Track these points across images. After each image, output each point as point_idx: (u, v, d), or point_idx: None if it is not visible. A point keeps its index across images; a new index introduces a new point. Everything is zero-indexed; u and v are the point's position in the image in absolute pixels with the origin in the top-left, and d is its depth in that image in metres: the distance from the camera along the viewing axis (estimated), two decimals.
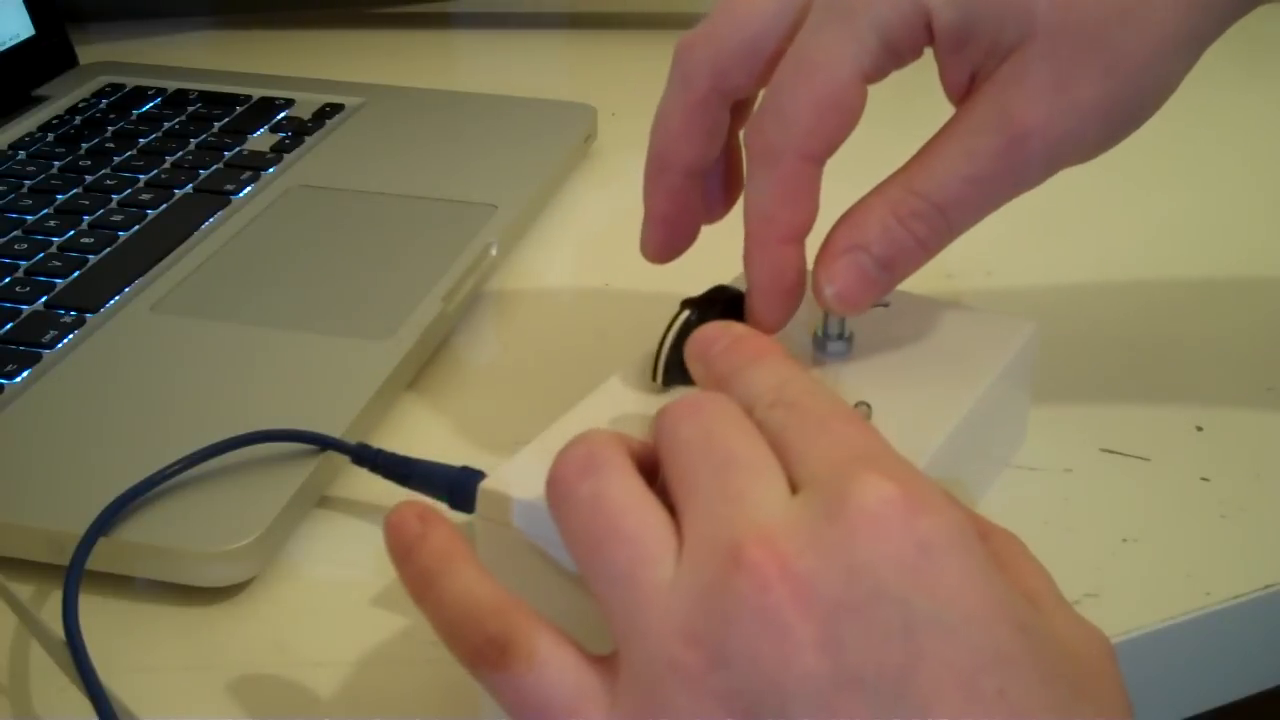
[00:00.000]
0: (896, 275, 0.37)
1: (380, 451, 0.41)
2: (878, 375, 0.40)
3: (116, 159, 0.63)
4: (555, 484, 0.29)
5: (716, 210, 0.42)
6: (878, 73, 0.36)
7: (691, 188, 0.40)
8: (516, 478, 0.36)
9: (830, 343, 0.41)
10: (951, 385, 0.40)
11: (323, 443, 0.42)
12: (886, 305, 0.43)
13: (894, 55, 0.36)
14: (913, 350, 0.42)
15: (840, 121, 0.36)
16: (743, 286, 0.39)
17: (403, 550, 0.30)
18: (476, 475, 0.38)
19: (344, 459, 0.42)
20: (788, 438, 0.28)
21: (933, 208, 0.36)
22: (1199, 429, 0.46)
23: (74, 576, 0.36)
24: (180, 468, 0.40)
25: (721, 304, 0.39)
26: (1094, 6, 0.35)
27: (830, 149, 0.36)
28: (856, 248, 0.36)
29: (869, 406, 0.38)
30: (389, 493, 0.42)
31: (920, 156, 0.36)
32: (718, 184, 0.42)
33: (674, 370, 0.38)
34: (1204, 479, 0.43)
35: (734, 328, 0.33)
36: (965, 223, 0.37)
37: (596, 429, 0.30)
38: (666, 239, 0.40)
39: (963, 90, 0.37)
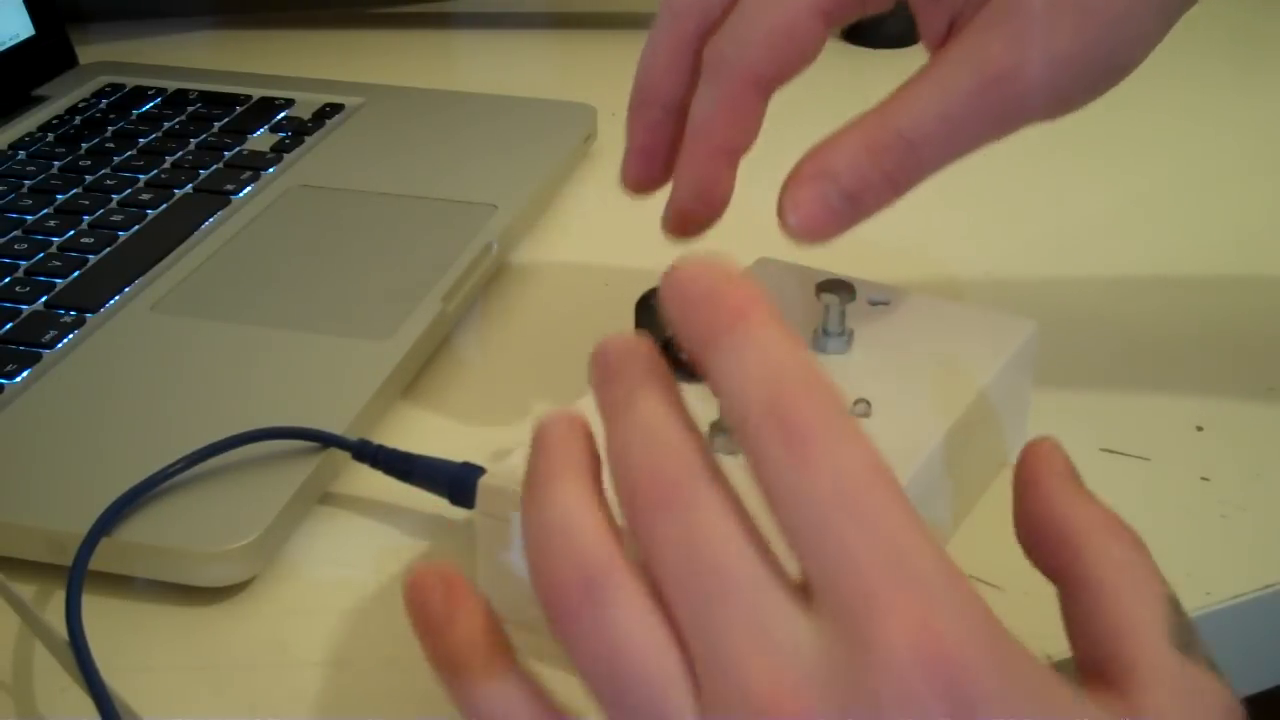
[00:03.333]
0: (861, 210, 0.36)
1: (381, 448, 0.41)
2: (877, 372, 0.40)
3: (116, 159, 0.63)
4: (554, 606, 0.26)
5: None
6: (839, 11, 0.37)
7: (672, 123, 0.40)
8: (517, 473, 0.36)
9: (830, 340, 0.41)
10: (951, 383, 0.40)
11: (324, 439, 0.42)
12: (886, 304, 0.43)
13: None
14: (912, 348, 0.42)
15: (792, 52, 0.37)
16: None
17: (427, 629, 0.28)
18: (477, 471, 0.38)
19: (344, 457, 0.42)
20: (792, 505, 0.24)
21: (905, 143, 0.36)
22: (1199, 429, 0.46)
23: (77, 577, 0.36)
24: (181, 467, 0.40)
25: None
26: None
27: (778, 77, 0.37)
28: (823, 175, 0.36)
29: (868, 404, 0.38)
30: (390, 492, 0.42)
31: (897, 93, 0.37)
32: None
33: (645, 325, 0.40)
34: (1204, 479, 0.43)
35: (716, 267, 0.27)
36: (935, 162, 0.36)
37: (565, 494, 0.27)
38: (645, 171, 0.41)
39: (940, 39, 0.38)
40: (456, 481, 0.39)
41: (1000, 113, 0.36)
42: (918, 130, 0.36)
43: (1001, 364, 0.41)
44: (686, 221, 0.39)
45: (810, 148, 0.36)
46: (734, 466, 0.35)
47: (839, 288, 0.41)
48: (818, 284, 0.41)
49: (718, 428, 0.37)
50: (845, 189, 0.36)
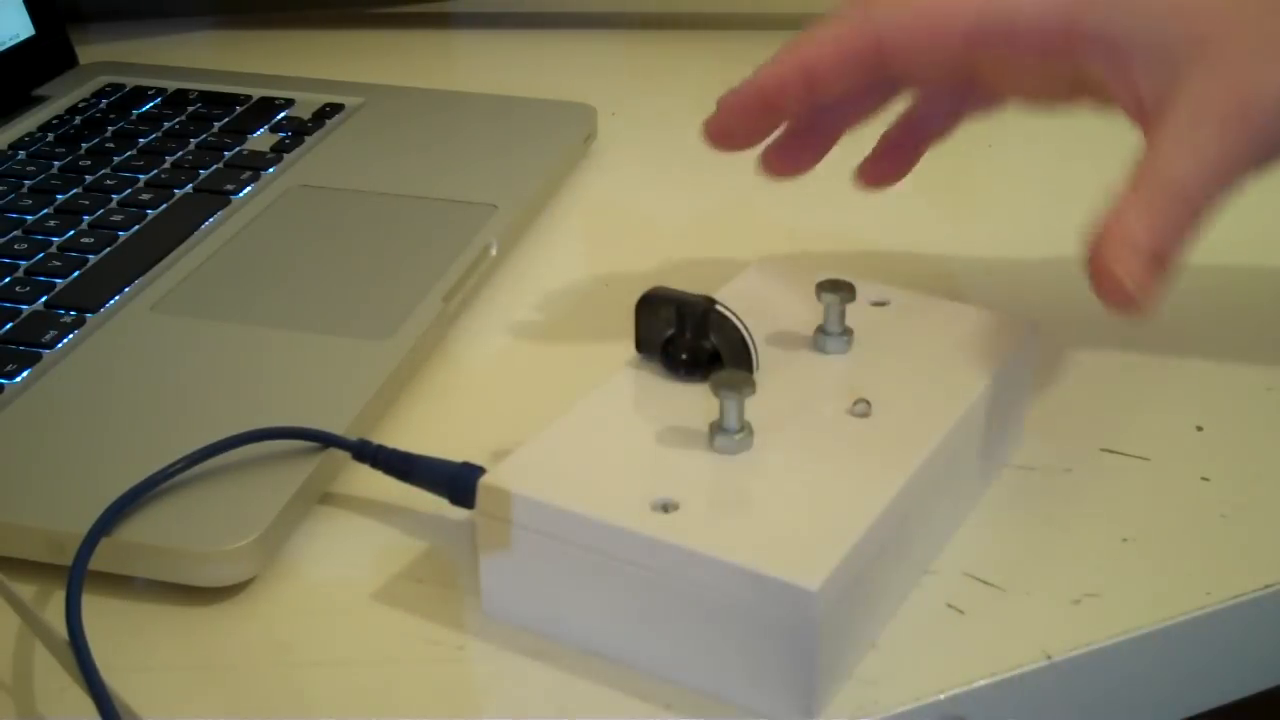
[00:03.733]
0: (1171, 266, 0.39)
1: (381, 448, 0.41)
2: (877, 372, 0.40)
3: (116, 159, 0.63)
4: None
5: (782, 154, 0.46)
6: (984, 39, 0.40)
7: (784, 109, 0.42)
8: (517, 473, 0.36)
9: (829, 339, 0.41)
10: (951, 383, 0.40)
11: (323, 439, 0.42)
12: (886, 304, 0.44)
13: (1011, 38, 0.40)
14: (913, 347, 0.42)
15: (932, 53, 0.40)
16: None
17: None
18: (477, 471, 0.38)
19: (345, 457, 0.42)
20: None
21: (1182, 197, 0.38)
22: (1199, 429, 0.46)
23: (77, 576, 0.36)
24: (182, 466, 0.40)
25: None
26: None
27: (903, 67, 0.40)
28: (1126, 244, 0.38)
29: (868, 404, 0.38)
30: (390, 492, 0.42)
31: (1148, 159, 0.39)
32: (798, 139, 0.45)
33: (645, 344, 0.40)
34: (1204, 479, 0.43)
35: None
36: (1213, 207, 0.39)
37: None
38: (735, 130, 0.42)
39: (1138, 106, 0.40)
40: (457, 481, 0.39)
41: (1251, 140, 0.38)
42: (1189, 183, 0.38)
43: (1002, 363, 0.41)
44: (733, 116, 0.40)
45: (1089, 240, 0.39)
46: (733, 467, 0.36)
47: (839, 288, 0.41)
48: (818, 284, 0.41)
49: (717, 427, 0.37)
50: (1152, 250, 0.38)
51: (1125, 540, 0.41)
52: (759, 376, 0.38)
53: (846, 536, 0.33)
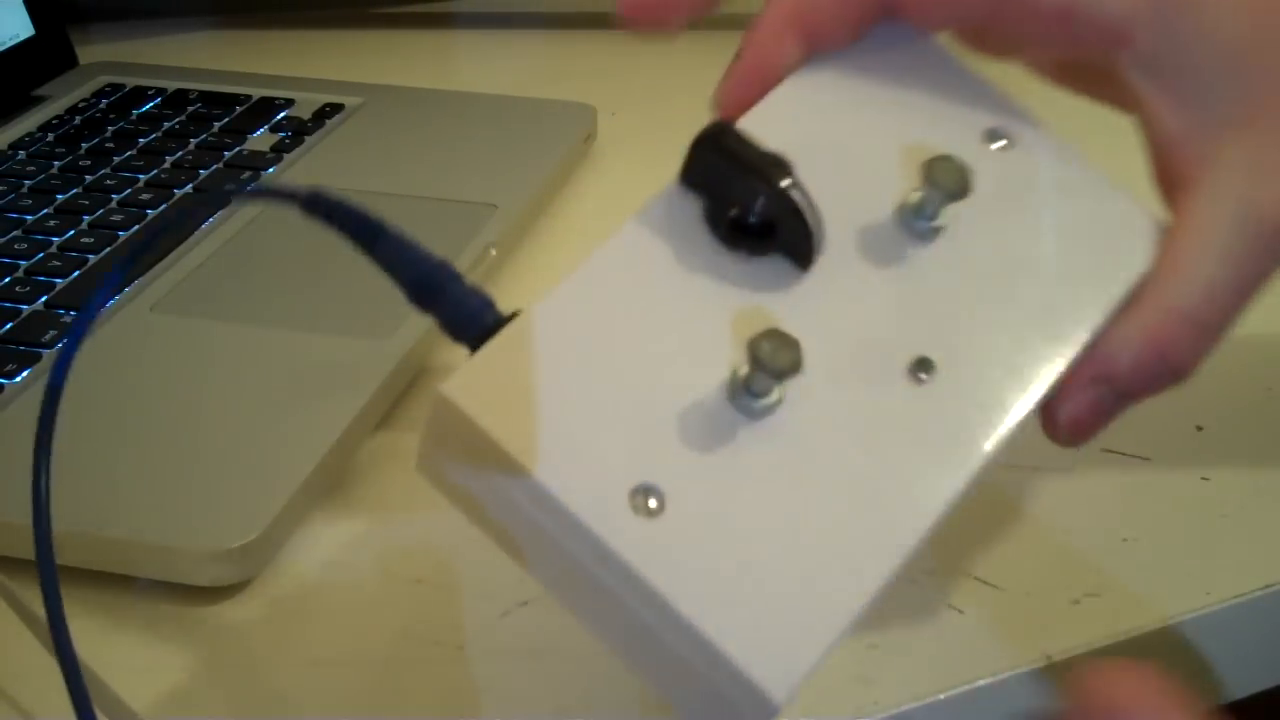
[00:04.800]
0: (1135, 402, 0.33)
1: (341, 204, 0.32)
2: (955, 296, 0.31)
3: (116, 159, 0.63)
4: None
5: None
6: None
7: (783, 71, 0.35)
8: (475, 390, 0.27)
9: (916, 223, 0.32)
10: (1041, 342, 0.31)
11: (270, 195, 0.33)
12: (1007, 142, 0.34)
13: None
14: (1012, 258, 0.32)
15: (952, 6, 0.34)
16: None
17: None
18: (453, 274, 0.30)
19: (344, 459, 0.42)
20: None
21: (1194, 326, 0.33)
22: (1199, 429, 0.46)
23: (45, 436, 0.33)
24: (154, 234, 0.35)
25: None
26: None
27: (914, 12, 0.34)
28: (1103, 380, 0.32)
29: (930, 366, 0.30)
30: (390, 492, 0.42)
31: (1166, 262, 0.33)
32: None
33: (697, 170, 0.31)
34: (1204, 479, 0.43)
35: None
36: (1227, 329, 0.33)
37: None
38: (747, 93, 0.35)
39: (1172, 142, 0.34)
40: (424, 279, 0.30)
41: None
42: (1208, 307, 0.33)
43: (1118, 298, 0.33)
44: (739, 87, 0.34)
45: (1088, 350, 0.32)
46: (744, 450, 0.28)
47: (945, 172, 0.31)
48: (924, 163, 0.31)
49: (741, 381, 0.28)
50: (1124, 390, 0.33)
51: (1125, 540, 0.41)
52: (810, 277, 0.30)
53: (836, 620, 0.27)
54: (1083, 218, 0.33)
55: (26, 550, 0.40)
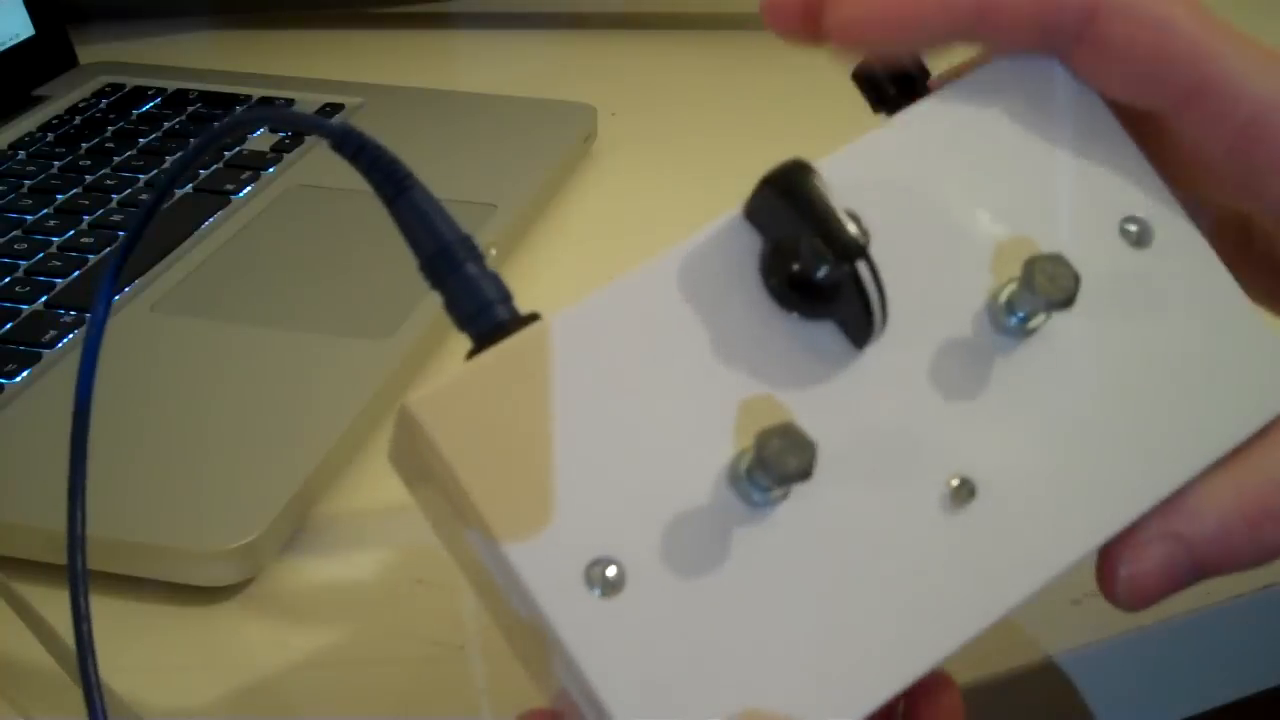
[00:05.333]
0: (1206, 577, 0.28)
1: (379, 149, 0.30)
2: (1028, 412, 0.27)
3: (116, 159, 0.63)
4: None
5: None
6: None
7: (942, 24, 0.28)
8: (442, 409, 0.24)
9: (1005, 319, 0.27)
10: (1134, 470, 0.27)
11: (307, 126, 0.31)
12: (1145, 239, 0.28)
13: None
14: (1113, 378, 0.27)
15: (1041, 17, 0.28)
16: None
17: None
18: (503, 305, 0.26)
19: (345, 458, 0.42)
20: None
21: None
22: None
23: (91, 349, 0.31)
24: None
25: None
26: None
27: (995, 31, 0.28)
28: (1176, 537, 0.27)
29: (973, 488, 0.26)
30: (390, 492, 0.42)
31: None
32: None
33: (761, 210, 0.26)
34: None
35: None
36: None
37: None
38: (872, 31, 0.28)
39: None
40: (441, 252, 0.28)
41: None
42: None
43: (1227, 448, 0.28)
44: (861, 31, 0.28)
45: (1162, 506, 0.27)
46: (731, 546, 0.25)
47: (1056, 273, 0.26)
48: (1029, 259, 0.26)
49: (743, 467, 0.25)
50: (1199, 557, 0.28)
51: None
52: (862, 358, 0.26)
53: None
54: (1209, 346, 0.28)
55: (27, 550, 0.40)
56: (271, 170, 0.61)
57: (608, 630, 0.24)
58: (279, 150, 0.63)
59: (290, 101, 0.69)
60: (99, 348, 0.31)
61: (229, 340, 0.48)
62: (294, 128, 0.28)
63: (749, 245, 0.26)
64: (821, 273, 0.25)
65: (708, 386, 0.25)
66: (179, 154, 0.35)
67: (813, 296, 0.26)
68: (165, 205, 0.58)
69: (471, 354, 0.26)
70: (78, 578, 0.30)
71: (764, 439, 0.24)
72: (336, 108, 0.68)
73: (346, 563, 0.41)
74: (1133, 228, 0.28)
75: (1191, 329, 0.28)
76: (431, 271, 0.27)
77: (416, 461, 0.25)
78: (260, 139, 0.65)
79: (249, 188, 0.60)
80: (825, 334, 0.26)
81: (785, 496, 0.25)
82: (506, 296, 0.26)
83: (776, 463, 0.24)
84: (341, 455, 0.43)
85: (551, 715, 0.25)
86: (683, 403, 0.25)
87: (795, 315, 0.26)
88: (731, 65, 0.78)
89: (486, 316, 0.26)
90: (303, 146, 0.64)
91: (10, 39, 0.69)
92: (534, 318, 0.26)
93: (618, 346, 0.25)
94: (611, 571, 0.24)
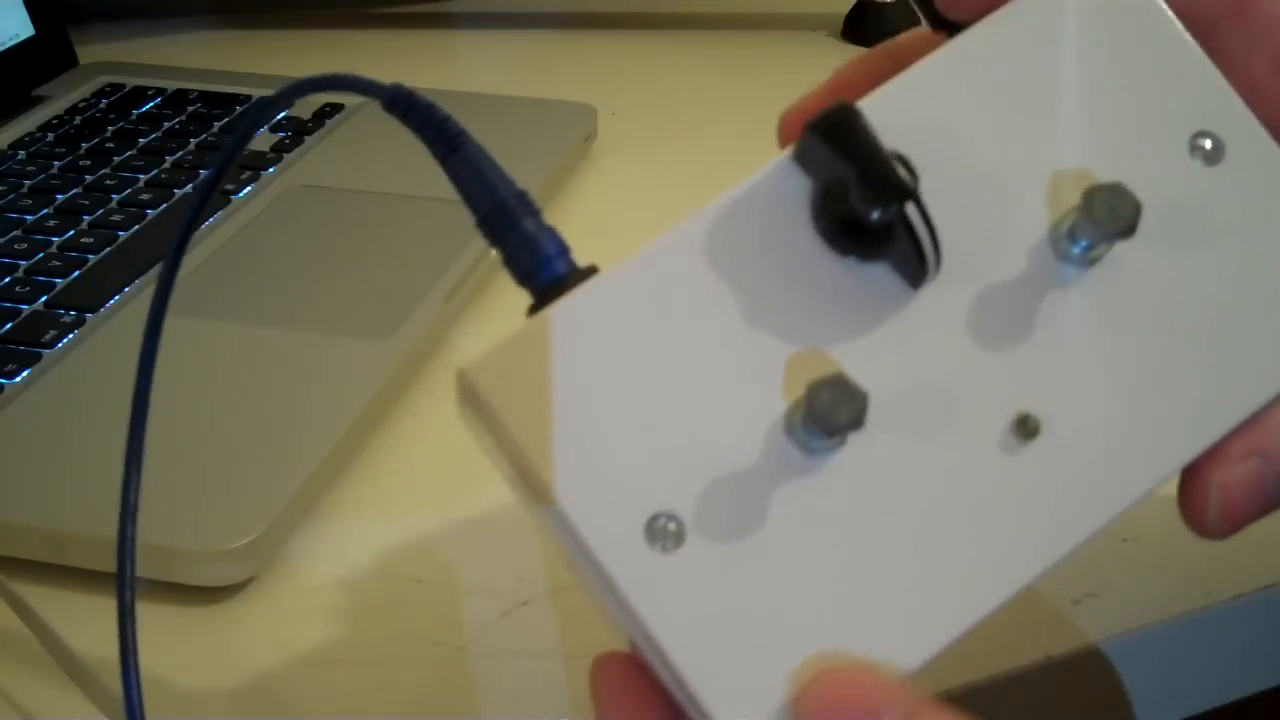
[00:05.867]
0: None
1: (427, 106, 0.29)
2: (1094, 344, 0.26)
3: (116, 159, 0.63)
4: None
5: None
6: None
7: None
8: (500, 372, 0.24)
9: (1069, 249, 0.26)
10: (1210, 399, 0.26)
11: (358, 87, 0.31)
12: (1218, 153, 0.27)
13: None
14: (1185, 305, 0.26)
15: None
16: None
17: None
18: (562, 258, 0.26)
19: (345, 459, 0.42)
20: None
21: None
22: None
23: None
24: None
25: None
26: None
27: None
28: (1264, 454, 0.27)
29: (1035, 425, 0.26)
30: (390, 492, 0.42)
31: None
32: None
33: (809, 155, 0.26)
34: None
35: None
36: None
37: None
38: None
39: None
40: (498, 208, 0.27)
41: None
42: None
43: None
44: None
45: (1243, 427, 0.27)
46: (788, 496, 0.25)
47: (1116, 204, 0.25)
48: (1088, 191, 0.25)
49: (799, 415, 0.25)
50: None
51: (1125, 540, 0.41)
52: (917, 299, 0.26)
53: None
54: None
55: (27, 550, 0.40)
56: (271, 170, 0.61)
57: (672, 585, 0.24)
58: (279, 150, 0.63)
59: (290, 101, 0.69)
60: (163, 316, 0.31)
61: (229, 340, 0.48)
62: (347, 89, 0.28)
63: (799, 188, 0.26)
64: (870, 216, 0.24)
65: (761, 335, 0.25)
66: (244, 111, 0.34)
67: (864, 238, 0.25)
68: (164, 206, 0.59)
69: (532, 310, 0.26)
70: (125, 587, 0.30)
71: (814, 390, 0.24)
72: (336, 108, 0.68)
73: (346, 563, 0.41)
74: (1206, 143, 0.27)
75: (1267, 247, 0.27)
76: (488, 228, 0.27)
77: (479, 425, 0.25)
78: (260, 139, 0.65)
79: (249, 188, 0.60)
80: (881, 276, 0.26)
81: (843, 444, 0.25)
82: (564, 250, 0.26)
83: (828, 415, 0.24)
84: (342, 455, 0.43)
85: (626, 659, 0.25)
86: (738, 350, 0.25)
87: (849, 258, 0.26)
88: (731, 65, 0.78)
89: (545, 272, 0.26)
90: (303, 146, 0.64)
91: (10, 39, 0.69)
92: (593, 270, 0.26)
93: (670, 299, 0.25)
94: (671, 525, 0.24)
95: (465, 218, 0.28)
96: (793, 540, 0.25)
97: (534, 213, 0.27)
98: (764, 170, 0.26)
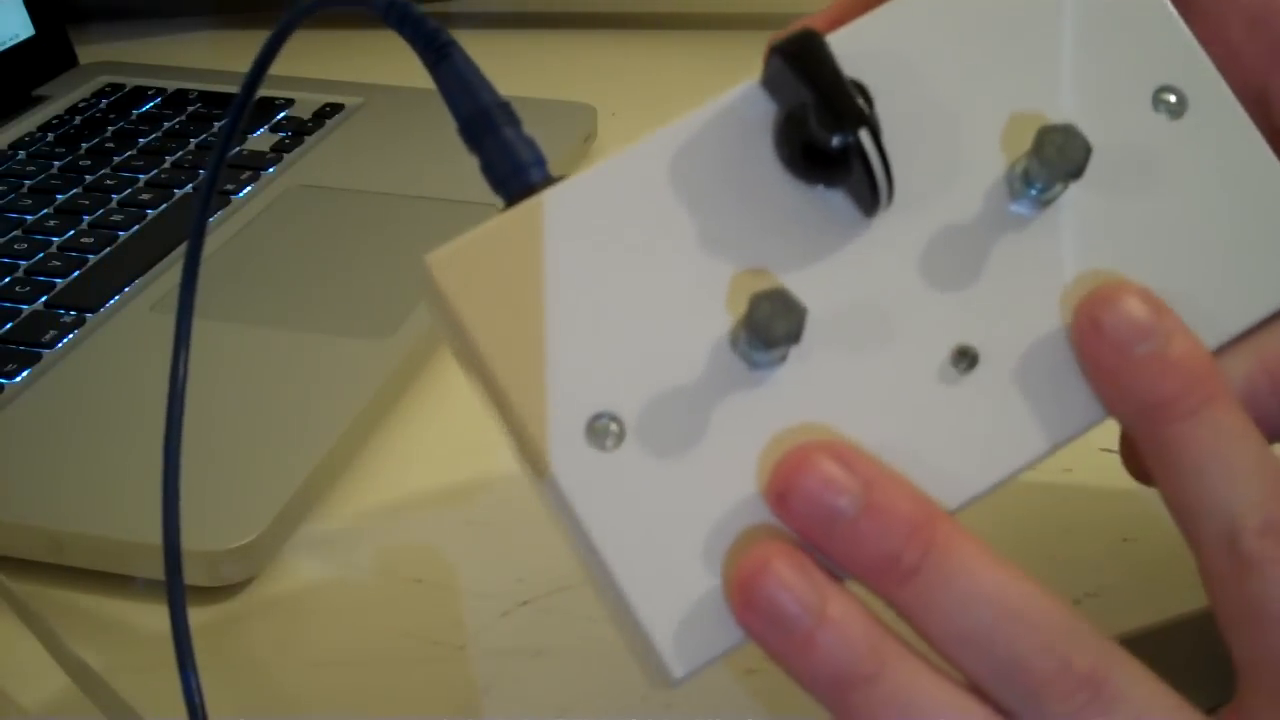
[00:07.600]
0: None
1: (418, 17, 0.30)
2: (1035, 286, 0.26)
3: (116, 159, 0.63)
4: (832, 686, 0.24)
5: None
6: None
7: None
8: (461, 264, 0.25)
9: (1024, 189, 0.27)
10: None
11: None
12: (1180, 107, 0.28)
13: None
14: (1134, 254, 0.27)
15: None
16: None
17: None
18: (537, 167, 0.27)
19: (344, 460, 0.42)
20: None
21: None
22: None
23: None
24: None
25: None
26: None
27: None
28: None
29: (974, 357, 0.26)
30: (389, 492, 0.42)
31: None
32: None
33: (774, 80, 0.26)
34: None
35: (1165, 323, 0.24)
36: None
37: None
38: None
39: None
40: (479, 114, 0.29)
41: None
42: None
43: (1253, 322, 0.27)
44: None
45: None
46: (728, 403, 0.25)
47: (1066, 144, 0.25)
48: (1042, 130, 0.26)
49: (742, 330, 0.25)
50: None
51: (1125, 540, 0.41)
52: (870, 227, 0.26)
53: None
54: (1240, 218, 0.27)
55: (27, 550, 0.40)
56: (271, 170, 0.61)
57: (607, 482, 0.24)
58: (279, 150, 0.63)
59: (290, 101, 0.69)
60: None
61: (229, 340, 0.48)
62: (343, 3, 0.30)
63: (765, 113, 0.27)
64: (825, 140, 0.25)
65: (715, 251, 0.26)
66: (269, 38, 0.35)
67: (821, 164, 0.26)
68: (164, 206, 0.59)
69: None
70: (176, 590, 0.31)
71: (755, 302, 0.24)
72: (336, 108, 0.68)
73: (346, 563, 0.41)
74: (1170, 97, 0.28)
75: (1222, 201, 0.27)
76: (469, 133, 0.28)
77: (441, 317, 0.26)
78: (260, 139, 0.65)
79: (249, 188, 0.60)
80: (837, 203, 0.26)
81: (785, 360, 0.25)
82: (540, 160, 0.27)
83: (766, 326, 0.24)
84: (341, 455, 0.43)
85: None
86: (691, 267, 0.26)
87: (808, 185, 0.26)
88: (731, 65, 0.78)
89: (519, 179, 0.27)
90: (303, 146, 0.64)
91: (10, 39, 0.69)
92: (563, 180, 0.26)
93: (631, 210, 0.26)
94: (613, 426, 0.25)
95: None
96: (730, 450, 0.25)
97: (515, 122, 0.27)
98: (731, 92, 0.27)
